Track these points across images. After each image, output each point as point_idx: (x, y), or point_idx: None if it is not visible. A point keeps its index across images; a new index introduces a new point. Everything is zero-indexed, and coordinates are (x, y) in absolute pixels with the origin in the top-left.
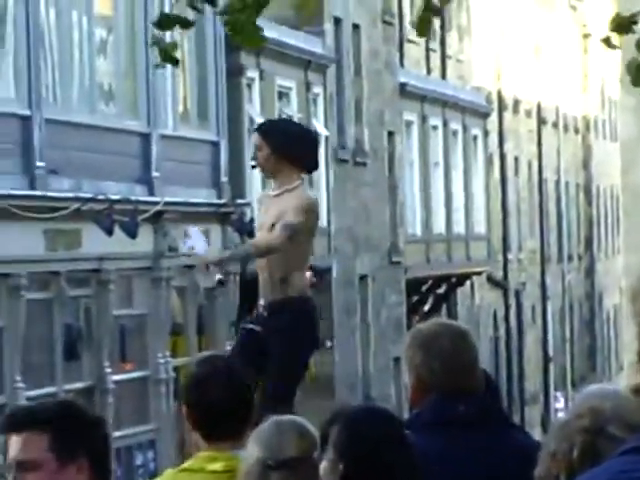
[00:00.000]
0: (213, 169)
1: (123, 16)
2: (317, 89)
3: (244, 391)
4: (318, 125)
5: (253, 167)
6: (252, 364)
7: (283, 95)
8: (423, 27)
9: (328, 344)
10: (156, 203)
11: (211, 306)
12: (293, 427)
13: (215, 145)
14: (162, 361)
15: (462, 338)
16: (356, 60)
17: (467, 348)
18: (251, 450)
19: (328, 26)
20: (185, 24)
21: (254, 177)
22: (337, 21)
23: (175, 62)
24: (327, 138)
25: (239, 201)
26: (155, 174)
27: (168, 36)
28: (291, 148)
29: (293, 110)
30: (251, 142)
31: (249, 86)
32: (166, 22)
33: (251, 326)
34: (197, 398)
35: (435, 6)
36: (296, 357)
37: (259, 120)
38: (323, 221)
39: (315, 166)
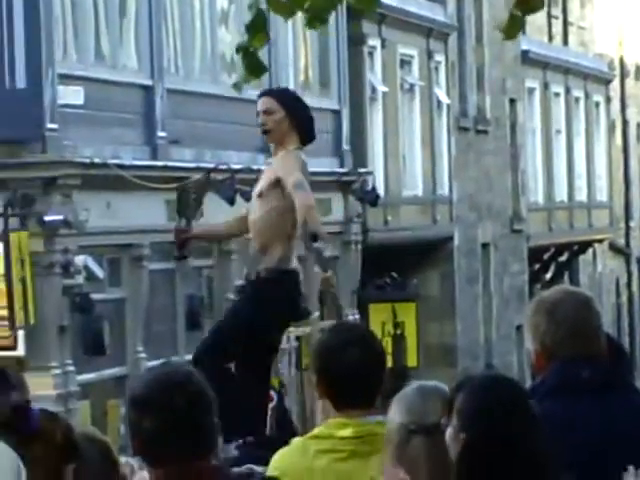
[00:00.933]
0: (335, 138)
1: None
2: (439, 57)
3: (378, 358)
4: (440, 93)
5: (264, 132)
6: None
7: (405, 63)
8: (515, 29)
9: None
10: None
11: (333, 275)
12: (436, 392)
13: (337, 113)
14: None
15: (586, 305)
16: (478, 27)
17: (591, 314)
18: (394, 415)
19: None
20: (263, 40)
21: (376, 145)
22: None
23: (261, 73)
24: (449, 106)
25: (361, 170)
26: None
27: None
28: (302, 115)
29: (414, 78)
30: (260, 106)
31: (371, 54)
32: (257, 29)
33: (232, 296)
34: (330, 365)
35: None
36: (244, 326)
37: (381, 89)
38: (445, 189)
39: (312, 138)
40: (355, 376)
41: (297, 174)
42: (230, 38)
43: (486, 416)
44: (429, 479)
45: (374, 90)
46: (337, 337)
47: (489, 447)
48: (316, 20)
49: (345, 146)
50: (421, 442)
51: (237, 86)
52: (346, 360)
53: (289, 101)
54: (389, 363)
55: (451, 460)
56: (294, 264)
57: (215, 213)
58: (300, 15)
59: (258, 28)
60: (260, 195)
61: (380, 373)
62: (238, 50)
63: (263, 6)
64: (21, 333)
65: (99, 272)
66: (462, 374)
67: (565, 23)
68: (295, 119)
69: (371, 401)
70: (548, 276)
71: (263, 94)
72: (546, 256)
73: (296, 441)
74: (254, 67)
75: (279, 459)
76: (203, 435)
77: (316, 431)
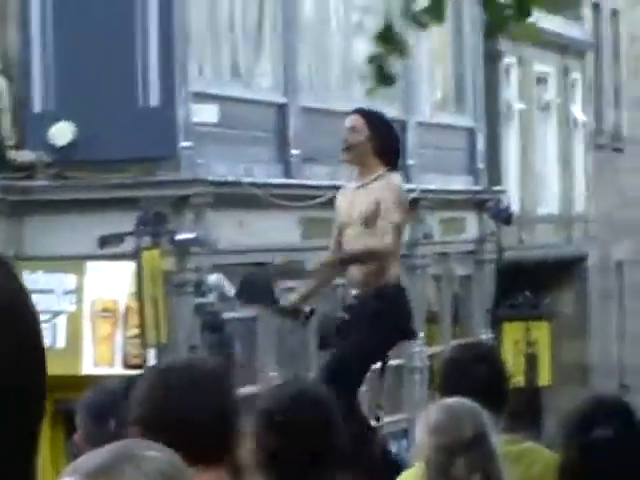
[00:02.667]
0: (469, 155)
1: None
2: (575, 74)
3: (504, 374)
4: (576, 110)
5: (344, 150)
6: None
7: (541, 80)
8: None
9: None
10: (412, 190)
11: (466, 294)
12: (463, 408)
13: (471, 131)
14: (417, 349)
15: None
16: (615, 45)
17: None
18: (425, 438)
19: (586, 11)
20: (402, 50)
21: (510, 163)
22: (595, 6)
23: (390, 83)
24: (585, 124)
25: (495, 188)
26: (410, 161)
27: None
28: (388, 139)
29: (551, 95)
30: (346, 124)
31: (507, 71)
32: (388, 38)
33: (342, 315)
34: (459, 381)
35: None
36: (373, 344)
37: (517, 106)
38: (581, 207)
39: (396, 165)
40: (479, 391)
41: (400, 216)
42: (365, 52)
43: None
44: None
45: (510, 107)
46: (464, 353)
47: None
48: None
49: (480, 164)
50: (465, 460)
51: (369, 92)
52: (475, 376)
53: (375, 123)
54: (522, 382)
55: (500, 467)
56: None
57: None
58: (435, 30)
59: (388, 37)
60: (366, 223)
61: (506, 389)
62: (370, 61)
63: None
64: (152, 352)
65: (231, 291)
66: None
67: None
68: (378, 142)
69: (497, 419)
70: None
71: (354, 111)
72: None
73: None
74: (383, 77)
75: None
76: (326, 456)
77: None
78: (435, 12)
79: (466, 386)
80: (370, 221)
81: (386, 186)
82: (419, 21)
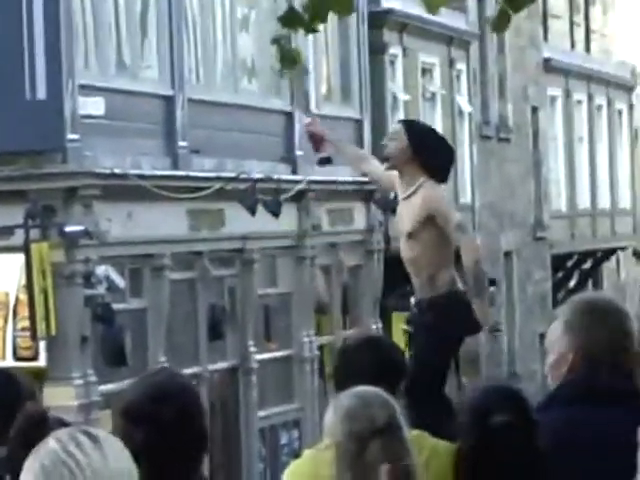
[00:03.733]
0: (356, 146)
1: None
2: (460, 65)
3: (392, 357)
4: (461, 101)
5: (384, 158)
6: None
7: (426, 72)
8: (502, 23)
9: (499, 328)
10: (299, 182)
11: (355, 284)
12: (377, 398)
13: (358, 123)
14: (306, 340)
15: (627, 316)
16: (499, 35)
17: (631, 326)
18: (337, 425)
19: (471, 2)
20: (309, 28)
21: None
22: None
23: (294, 65)
24: (470, 114)
25: None
26: (298, 152)
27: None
28: (428, 150)
29: (436, 86)
30: (389, 132)
31: (392, 63)
32: (291, 20)
33: (406, 328)
34: (345, 372)
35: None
36: (434, 355)
37: (402, 97)
38: (467, 197)
39: (444, 179)
40: (365, 376)
41: (455, 214)
42: (251, 45)
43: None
44: None
45: (395, 99)
46: (352, 343)
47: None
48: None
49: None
50: (379, 445)
51: (280, 73)
52: (356, 360)
53: (417, 132)
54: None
55: (411, 459)
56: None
57: (237, 224)
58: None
59: (292, 19)
60: (410, 235)
61: (395, 371)
62: (273, 42)
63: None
64: (42, 344)
65: (120, 282)
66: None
67: (587, 30)
68: (417, 152)
69: None
70: (572, 284)
71: (399, 121)
72: (569, 264)
73: (306, 453)
74: (288, 58)
75: None
76: (193, 447)
77: None
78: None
79: (354, 375)
80: (415, 233)
81: (430, 198)
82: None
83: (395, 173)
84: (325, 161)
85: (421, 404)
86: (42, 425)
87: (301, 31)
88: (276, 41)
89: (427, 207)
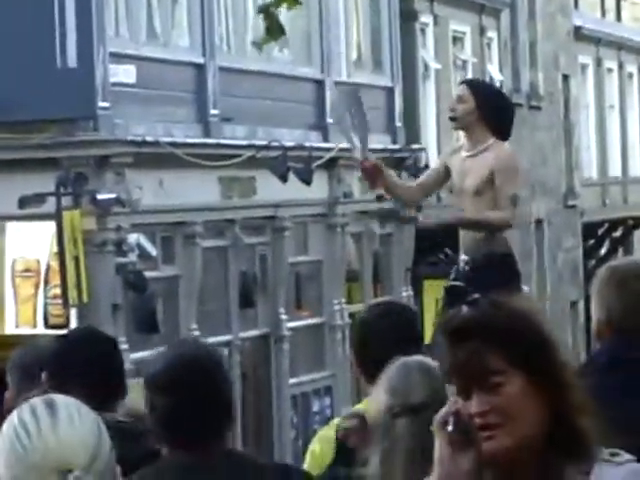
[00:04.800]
0: (387, 114)
1: None
2: (491, 33)
3: (411, 332)
4: (492, 69)
5: (451, 119)
6: None
7: (457, 40)
8: None
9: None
10: (330, 149)
11: (387, 253)
12: (420, 370)
13: (389, 90)
14: (337, 308)
15: None
16: (530, 3)
17: None
18: (378, 397)
19: None
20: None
21: (428, 122)
22: None
23: (281, 34)
24: (501, 82)
25: (414, 146)
26: (329, 120)
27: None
28: (494, 110)
29: (467, 55)
30: (455, 93)
31: (423, 31)
32: None
33: (455, 283)
34: (362, 340)
35: None
36: None
37: (434, 66)
38: None
39: (507, 136)
40: (384, 350)
41: (516, 187)
42: (283, 13)
43: None
44: (407, 461)
45: (426, 67)
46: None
47: None
48: None
49: (398, 123)
50: (405, 424)
51: (257, 45)
52: (374, 335)
53: (483, 93)
54: None
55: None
56: None
57: (268, 191)
58: None
59: None
60: (477, 192)
61: (415, 344)
62: (260, 11)
63: None
64: (74, 312)
65: (152, 250)
66: None
67: None
68: (485, 113)
69: None
70: (602, 252)
71: (462, 82)
72: (600, 231)
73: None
74: (274, 29)
75: None
76: (217, 415)
77: (354, 408)
78: None
79: (372, 343)
80: (481, 191)
81: (499, 156)
82: None
83: (437, 165)
84: (380, 198)
85: None
86: None
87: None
88: (263, 10)
89: (495, 163)
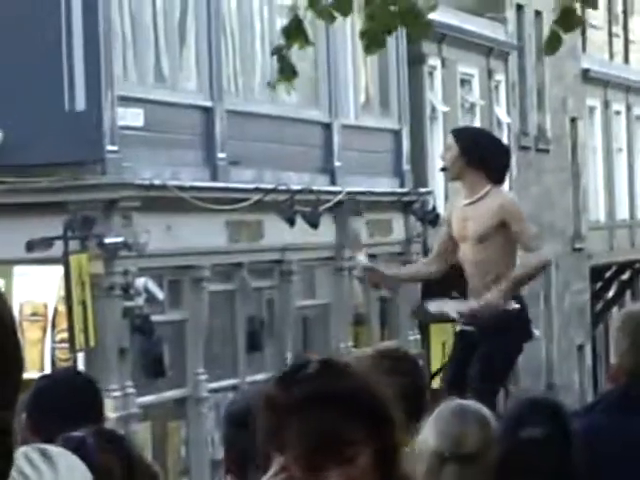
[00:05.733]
0: (395, 158)
1: (304, 3)
2: (499, 76)
3: (416, 384)
4: (500, 112)
5: (442, 169)
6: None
7: (465, 82)
8: (553, 45)
9: (537, 333)
10: (338, 193)
11: (393, 296)
12: (476, 415)
13: (397, 133)
14: (345, 351)
15: None
16: (538, 46)
17: None
18: (427, 436)
19: (510, 12)
20: (306, 40)
21: (436, 165)
22: (519, 7)
23: (293, 77)
24: (509, 125)
25: (421, 189)
26: (337, 164)
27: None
28: (479, 155)
29: (475, 97)
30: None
31: (431, 74)
32: (295, 32)
33: (465, 328)
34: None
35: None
36: (507, 356)
37: (441, 108)
38: None
39: (501, 179)
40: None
41: (531, 226)
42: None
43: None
44: None
45: (434, 109)
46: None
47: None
48: (373, 45)
49: (405, 166)
50: (454, 472)
51: (271, 85)
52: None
53: (465, 140)
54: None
55: None
56: None
57: (276, 235)
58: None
59: (295, 32)
60: (480, 240)
61: (421, 399)
62: (274, 52)
63: (301, 12)
64: (81, 356)
65: (159, 294)
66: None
67: (626, 41)
68: (470, 159)
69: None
70: (610, 295)
71: (450, 130)
72: (608, 274)
73: None
74: (287, 70)
75: None
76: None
77: None
78: (341, 5)
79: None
80: (485, 238)
81: (505, 203)
82: (326, 14)
83: (444, 229)
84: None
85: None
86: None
87: (333, 42)
88: (277, 51)
89: (504, 212)
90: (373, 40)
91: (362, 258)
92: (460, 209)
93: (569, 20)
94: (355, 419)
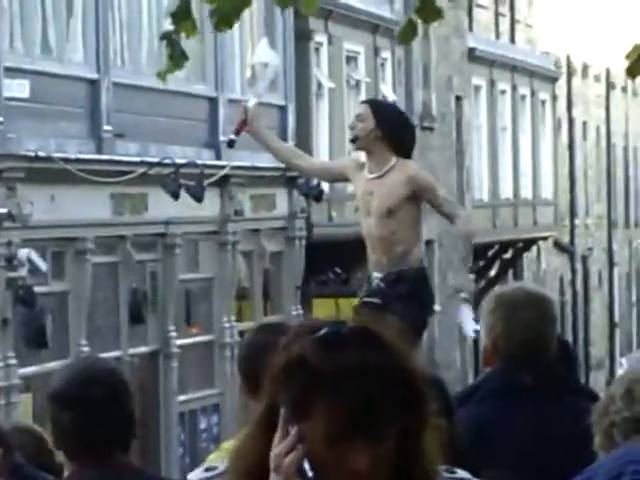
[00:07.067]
0: (280, 133)
1: None
2: (385, 54)
3: None
4: (386, 89)
5: (351, 140)
6: None
7: (351, 59)
8: (408, 35)
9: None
10: (223, 167)
11: (277, 270)
12: None
13: (283, 109)
14: (227, 325)
15: (545, 310)
16: (424, 24)
17: (549, 320)
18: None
19: None
20: (192, 29)
21: (321, 141)
22: None
23: (183, 61)
24: (395, 103)
25: None
26: (222, 138)
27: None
28: (395, 129)
29: (361, 74)
30: (354, 112)
31: (317, 50)
32: (182, 17)
33: (369, 299)
34: (249, 368)
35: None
36: (416, 323)
37: (327, 85)
38: None
39: (409, 155)
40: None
41: (443, 191)
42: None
43: None
44: None
45: (320, 86)
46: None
47: None
48: (222, 24)
49: (291, 141)
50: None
51: (161, 75)
52: (262, 363)
53: (383, 112)
54: None
55: None
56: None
57: (160, 208)
58: (246, 10)
59: (183, 17)
60: (388, 213)
61: None
62: (162, 38)
63: None
64: None
65: (42, 265)
66: None
67: (512, 21)
68: (385, 130)
69: None
70: (492, 273)
71: (363, 101)
72: (490, 253)
73: (225, 446)
74: (177, 56)
75: None
76: (121, 428)
77: None
78: None
79: (255, 373)
80: (393, 212)
81: (414, 175)
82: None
83: (341, 163)
84: (231, 144)
85: None
86: None
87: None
88: (166, 37)
89: (413, 183)
90: (222, 20)
91: (254, 101)
92: (364, 182)
93: (429, 11)
94: (391, 396)
